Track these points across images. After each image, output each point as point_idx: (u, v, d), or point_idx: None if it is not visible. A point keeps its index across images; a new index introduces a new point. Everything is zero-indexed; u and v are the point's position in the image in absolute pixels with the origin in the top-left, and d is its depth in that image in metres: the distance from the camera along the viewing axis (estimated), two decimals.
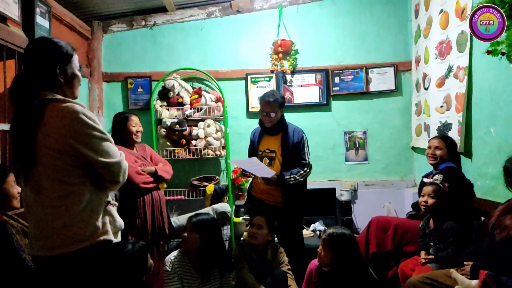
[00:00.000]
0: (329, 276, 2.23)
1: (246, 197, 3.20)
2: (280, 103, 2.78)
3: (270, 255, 2.59)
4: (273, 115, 2.76)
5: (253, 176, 2.96)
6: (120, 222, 1.59)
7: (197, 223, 2.30)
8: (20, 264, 1.75)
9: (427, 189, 2.47)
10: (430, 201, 2.43)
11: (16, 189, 1.96)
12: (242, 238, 3.37)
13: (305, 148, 2.80)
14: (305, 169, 2.75)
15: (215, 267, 2.32)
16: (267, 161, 2.84)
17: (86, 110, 1.45)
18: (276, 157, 2.81)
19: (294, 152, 2.77)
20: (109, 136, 1.50)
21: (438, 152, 2.76)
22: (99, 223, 1.47)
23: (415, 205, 3.01)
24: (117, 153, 1.51)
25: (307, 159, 2.78)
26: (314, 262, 2.42)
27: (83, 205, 1.44)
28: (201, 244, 2.25)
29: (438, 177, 2.53)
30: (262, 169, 2.66)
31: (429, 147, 2.84)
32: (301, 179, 2.74)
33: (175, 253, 2.33)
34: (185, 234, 2.29)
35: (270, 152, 2.83)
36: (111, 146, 1.49)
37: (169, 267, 2.24)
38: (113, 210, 1.59)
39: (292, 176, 2.70)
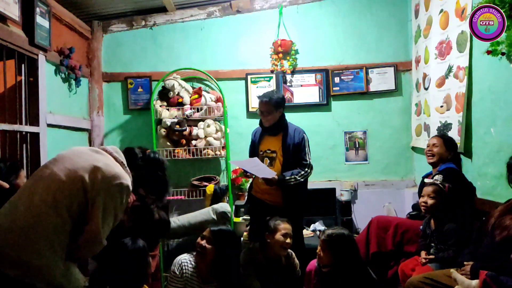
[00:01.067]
0: (329, 277, 2.22)
1: (246, 197, 3.19)
2: (275, 103, 2.76)
3: (285, 261, 2.50)
4: (268, 115, 2.76)
5: (253, 177, 2.96)
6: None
7: (217, 234, 2.19)
8: None
9: (427, 189, 2.46)
10: (430, 201, 2.42)
11: None
12: (242, 239, 3.37)
13: (306, 149, 2.80)
14: (306, 169, 2.75)
15: (228, 283, 2.19)
16: (268, 161, 2.83)
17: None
18: (276, 158, 2.81)
19: (295, 153, 2.76)
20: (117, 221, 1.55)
21: (435, 150, 2.77)
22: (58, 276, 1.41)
23: (416, 206, 3.01)
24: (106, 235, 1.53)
25: (308, 159, 2.77)
26: (313, 263, 2.42)
27: (49, 238, 1.40)
28: (215, 258, 2.15)
29: (438, 178, 2.53)
30: (263, 170, 2.65)
31: (427, 145, 2.86)
32: (302, 180, 2.74)
33: (186, 256, 2.24)
34: (202, 242, 2.18)
35: (271, 153, 2.83)
36: (110, 228, 1.52)
37: (177, 270, 2.17)
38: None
39: (292, 176, 2.69)
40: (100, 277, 1.78)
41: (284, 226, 2.43)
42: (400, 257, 2.68)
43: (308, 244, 3.19)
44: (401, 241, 2.73)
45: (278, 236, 2.41)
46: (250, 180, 3.16)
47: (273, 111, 2.77)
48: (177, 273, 2.17)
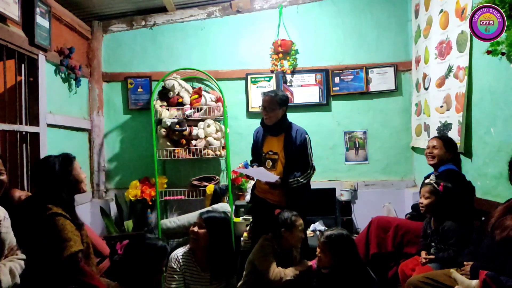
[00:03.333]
0: (328, 278, 2.22)
1: (250, 196, 3.19)
2: (279, 100, 2.74)
3: (295, 253, 2.54)
4: (271, 111, 2.74)
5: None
6: None
7: (207, 218, 2.26)
8: None
9: (424, 190, 2.48)
10: (425, 201, 2.44)
11: (83, 174, 2.05)
12: (241, 238, 3.37)
13: (308, 150, 2.77)
14: (308, 171, 2.73)
15: (223, 267, 2.26)
16: (270, 163, 2.82)
17: None
18: (279, 159, 2.78)
19: (297, 154, 2.74)
20: None
21: (435, 152, 2.77)
22: None
23: (415, 206, 3.01)
24: None
25: (310, 161, 2.76)
26: (312, 264, 2.41)
27: None
28: (210, 242, 2.21)
29: (432, 177, 2.53)
30: (267, 175, 2.68)
31: (428, 147, 2.85)
32: (305, 181, 2.72)
33: (181, 249, 2.29)
34: (194, 229, 2.25)
35: (273, 154, 2.82)
36: None
37: (174, 264, 2.21)
38: None
39: (295, 179, 2.68)
40: (119, 265, 1.83)
41: (300, 222, 2.46)
42: (400, 258, 2.67)
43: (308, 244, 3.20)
44: (401, 242, 2.72)
45: (297, 232, 2.42)
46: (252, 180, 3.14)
47: (276, 108, 2.74)
48: (175, 267, 2.20)
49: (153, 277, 1.87)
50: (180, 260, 2.22)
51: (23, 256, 1.79)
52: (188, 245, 2.31)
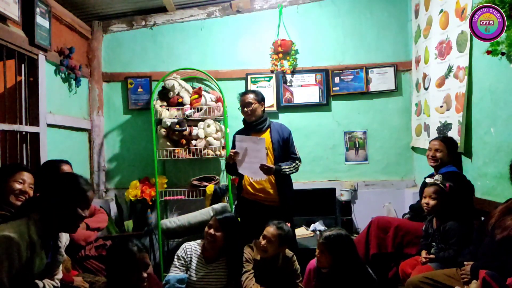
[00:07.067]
0: (328, 277, 2.22)
1: (236, 203, 3.19)
2: (256, 94, 2.93)
3: (281, 263, 2.42)
4: (250, 105, 2.88)
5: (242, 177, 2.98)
6: None
7: (223, 221, 2.32)
8: None
9: (428, 190, 2.46)
10: (432, 202, 2.42)
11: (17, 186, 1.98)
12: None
13: (294, 143, 2.98)
14: (297, 162, 2.91)
15: (240, 265, 2.34)
16: None
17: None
18: (267, 154, 2.88)
19: (284, 147, 2.91)
20: None
21: (438, 155, 2.75)
22: None
23: (413, 207, 3.00)
24: None
25: (297, 153, 2.96)
26: (313, 263, 2.41)
27: None
28: (225, 242, 2.30)
29: (438, 177, 2.52)
30: (256, 164, 2.73)
31: (430, 149, 2.82)
32: (295, 171, 2.90)
33: (193, 242, 2.42)
34: (211, 231, 2.31)
35: None
36: None
37: (183, 253, 2.33)
38: None
39: (287, 166, 2.84)
40: None
41: (266, 229, 2.39)
42: (400, 259, 2.66)
43: (308, 244, 3.20)
44: (401, 243, 2.71)
45: (261, 238, 2.39)
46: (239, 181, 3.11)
47: (255, 102, 2.90)
48: (183, 255, 2.33)
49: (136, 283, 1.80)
50: (187, 252, 2.35)
51: (61, 275, 1.82)
52: (199, 241, 2.43)
